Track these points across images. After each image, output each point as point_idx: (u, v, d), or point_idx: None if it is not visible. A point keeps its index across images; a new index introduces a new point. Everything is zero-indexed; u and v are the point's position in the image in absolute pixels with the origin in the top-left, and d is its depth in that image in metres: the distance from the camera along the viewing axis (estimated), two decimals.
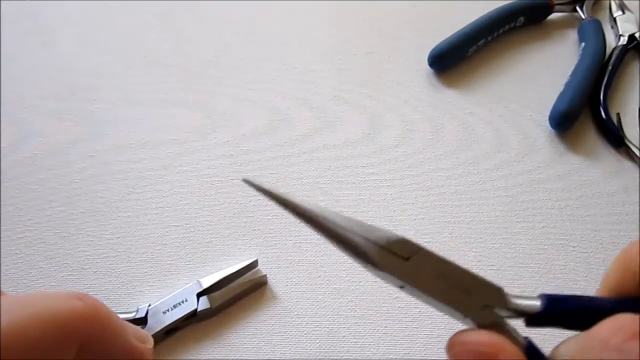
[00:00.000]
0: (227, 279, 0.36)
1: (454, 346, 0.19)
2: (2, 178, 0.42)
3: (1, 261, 0.38)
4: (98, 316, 0.19)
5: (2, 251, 0.39)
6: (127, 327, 0.21)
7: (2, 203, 0.41)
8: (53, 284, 0.38)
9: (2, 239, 0.39)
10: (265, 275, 0.37)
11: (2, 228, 0.40)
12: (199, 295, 0.35)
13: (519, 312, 0.20)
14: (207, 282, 0.36)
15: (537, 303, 0.20)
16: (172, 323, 0.34)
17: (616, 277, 0.20)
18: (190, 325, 0.36)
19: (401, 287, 0.20)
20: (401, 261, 0.19)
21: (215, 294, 0.36)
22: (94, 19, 0.53)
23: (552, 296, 0.20)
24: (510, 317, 0.20)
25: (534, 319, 0.20)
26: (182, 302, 0.35)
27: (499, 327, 0.19)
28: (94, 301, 0.20)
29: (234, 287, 0.36)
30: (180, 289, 0.36)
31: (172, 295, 0.35)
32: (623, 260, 0.20)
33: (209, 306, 0.35)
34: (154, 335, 0.34)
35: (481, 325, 0.19)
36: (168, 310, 0.35)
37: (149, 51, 0.51)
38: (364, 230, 0.19)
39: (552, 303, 0.20)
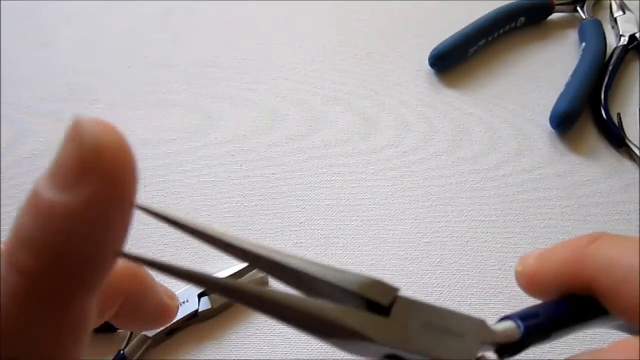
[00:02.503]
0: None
1: None
2: (1, 178, 0.42)
3: None
4: (138, 273, 0.20)
5: None
6: (158, 285, 0.22)
7: (2, 203, 0.41)
8: None
9: (1, 239, 0.39)
10: (267, 275, 0.37)
11: (2, 228, 0.39)
12: (200, 295, 0.35)
13: (501, 344, 0.17)
14: None
15: (514, 327, 0.17)
16: (174, 324, 0.34)
17: (560, 277, 0.19)
18: (191, 325, 0.36)
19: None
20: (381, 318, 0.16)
21: (217, 295, 0.36)
22: (94, 19, 0.53)
23: (518, 318, 0.17)
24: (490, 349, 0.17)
25: (511, 347, 0.17)
26: (184, 302, 0.35)
27: None
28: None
29: None
30: (182, 290, 0.36)
31: None
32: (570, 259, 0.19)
33: (210, 307, 0.35)
34: (155, 337, 0.34)
35: None
36: None
37: (149, 51, 0.51)
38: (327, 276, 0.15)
39: (528, 325, 0.17)
